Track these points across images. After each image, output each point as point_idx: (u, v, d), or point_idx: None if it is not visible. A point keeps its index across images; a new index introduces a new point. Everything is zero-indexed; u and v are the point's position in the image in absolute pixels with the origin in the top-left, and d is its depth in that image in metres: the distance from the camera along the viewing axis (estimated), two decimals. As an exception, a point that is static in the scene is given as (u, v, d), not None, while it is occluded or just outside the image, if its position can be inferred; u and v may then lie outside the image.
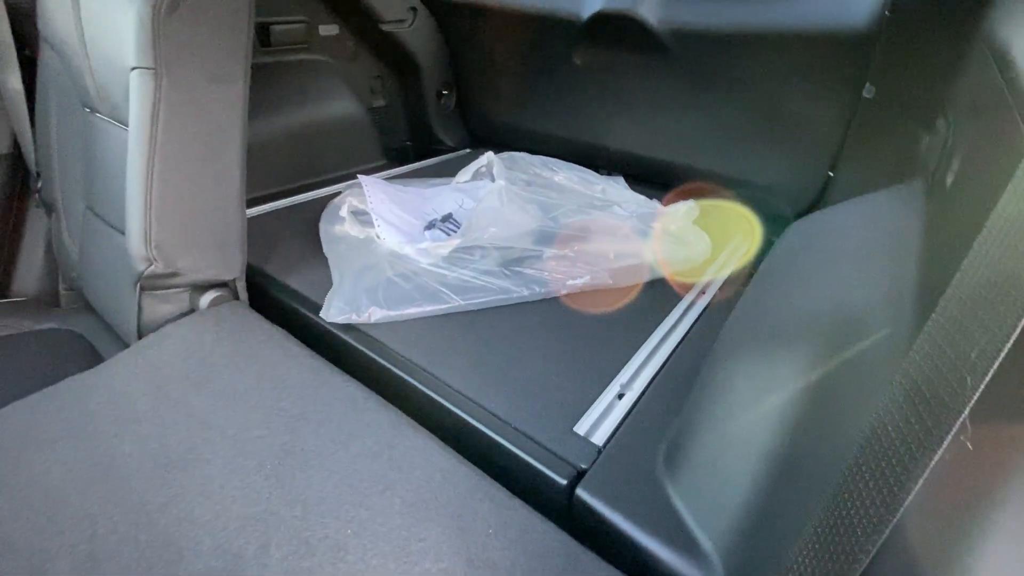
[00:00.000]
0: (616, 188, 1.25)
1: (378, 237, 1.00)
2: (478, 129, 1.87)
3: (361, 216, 1.05)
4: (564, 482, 0.63)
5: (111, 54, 0.79)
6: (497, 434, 0.69)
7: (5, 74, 1.09)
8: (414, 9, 1.59)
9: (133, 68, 0.75)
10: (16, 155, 1.17)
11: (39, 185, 1.14)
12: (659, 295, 1.00)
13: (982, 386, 0.20)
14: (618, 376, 0.80)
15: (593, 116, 1.54)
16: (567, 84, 1.54)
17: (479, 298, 0.92)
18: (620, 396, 0.77)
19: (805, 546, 0.29)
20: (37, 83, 1.07)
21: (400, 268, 0.94)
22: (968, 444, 0.20)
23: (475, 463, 0.64)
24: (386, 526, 0.56)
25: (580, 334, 0.89)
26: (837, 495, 0.26)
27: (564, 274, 0.97)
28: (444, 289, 0.91)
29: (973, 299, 0.22)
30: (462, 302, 0.91)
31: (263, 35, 1.42)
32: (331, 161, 1.56)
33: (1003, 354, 0.19)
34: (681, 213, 1.12)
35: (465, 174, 1.25)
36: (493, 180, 1.23)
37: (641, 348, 0.86)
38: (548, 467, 0.65)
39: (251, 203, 1.28)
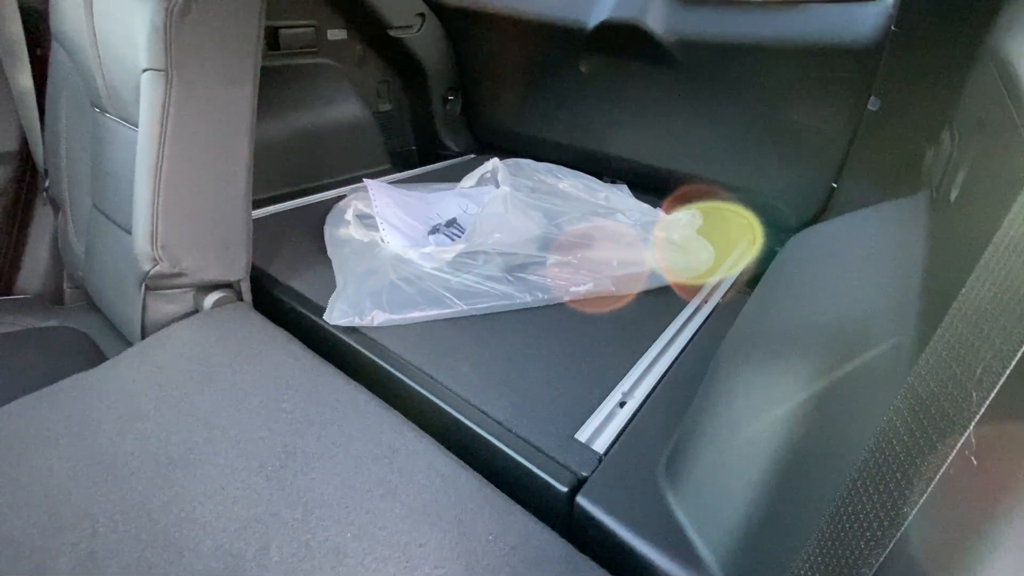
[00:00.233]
0: (620, 196, 1.25)
1: (382, 241, 1.00)
2: (483, 135, 1.88)
3: (366, 220, 1.06)
4: (565, 489, 0.63)
5: (122, 55, 0.80)
6: (498, 440, 0.69)
7: (16, 72, 1.10)
8: (422, 15, 1.60)
9: (144, 70, 0.76)
10: (24, 153, 1.18)
11: (47, 183, 1.15)
12: (662, 303, 1.00)
13: (987, 401, 0.20)
14: (620, 384, 0.80)
15: (598, 124, 1.55)
16: (572, 91, 1.55)
17: (482, 303, 0.92)
18: (622, 404, 0.77)
19: (807, 559, 0.29)
20: (48, 82, 1.08)
21: (404, 272, 0.94)
22: (973, 459, 0.20)
23: (476, 468, 0.64)
24: (386, 530, 0.56)
25: (582, 341, 0.89)
26: (840, 508, 0.26)
27: (567, 281, 0.97)
28: (447, 294, 0.92)
29: (979, 315, 0.22)
30: (465, 307, 0.91)
31: (272, 38, 1.43)
32: (337, 164, 1.56)
33: (1009, 370, 0.19)
34: (684, 222, 1.13)
35: (470, 179, 1.26)
36: (498, 186, 1.23)
37: (643, 356, 0.86)
38: (549, 474, 0.65)
39: (257, 204, 1.28)
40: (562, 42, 1.45)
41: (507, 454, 0.68)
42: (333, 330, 0.88)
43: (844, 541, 0.26)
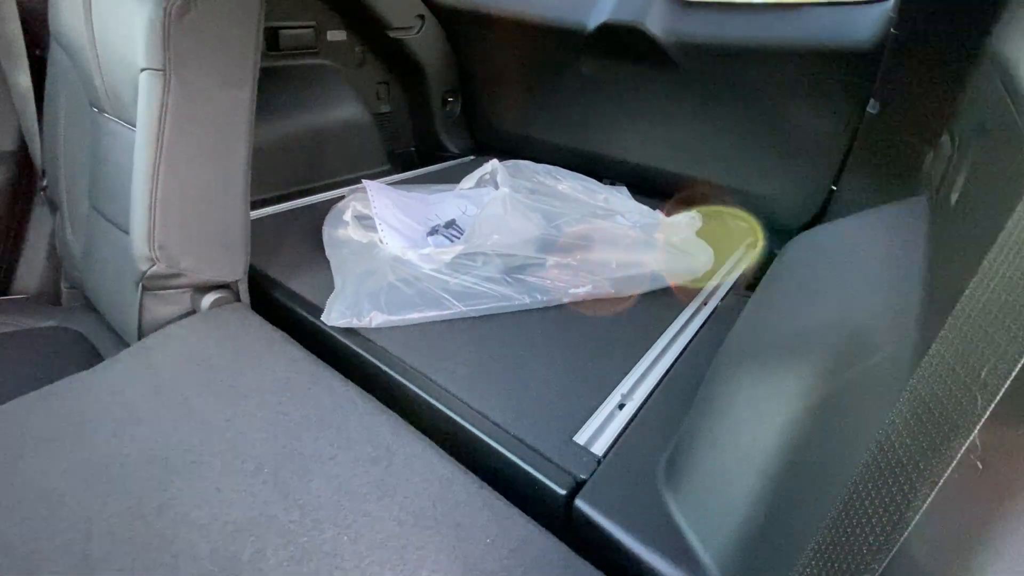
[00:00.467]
0: (619, 198, 1.25)
1: (381, 242, 1.00)
2: (482, 136, 1.88)
3: (364, 220, 1.05)
4: (563, 492, 0.63)
5: (120, 55, 0.79)
6: (497, 442, 0.69)
7: (15, 72, 1.09)
8: (422, 17, 1.60)
9: (142, 69, 0.75)
10: (22, 153, 1.18)
11: (44, 183, 1.15)
12: (661, 305, 1.00)
13: (992, 404, 0.19)
14: (619, 386, 0.80)
15: (597, 125, 1.55)
16: (572, 93, 1.55)
17: (481, 304, 0.92)
18: (621, 406, 0.76)
19: (808, 564, 0.29)
20: (46, 82, 1.07)
21: (402, 273, 0.94)
22: (978, 463, 0.20)
23: (474, 471, 0.64)
24: (383, 533, 0.55)
25: (581, 343, 0.89)
26: (842, 513, 0.26)
27: (566, 282, 0.97)
28: (446, 295, 0.91)
29: (983, 317, 0.22)
30: (464, 308, 0.91)
31: (272, 39, 1.43)
32: (336, 165, 1.56)
33: (1014, 373, 0.19)
34: (683, 224, 1.12)
35: (469, 181, 1.26)
36: (497, 187, 1.23)
37: (643, 358, 0.86)
38: (547, 477, 0.64)
39: (256, 205, 1.28)
40: (562, 44, 1.45)
41: (505, 456, 0.68)
42: (331, 331, 0.87)
43: (846, 546, 0.26)
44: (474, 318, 0.91)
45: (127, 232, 0.83)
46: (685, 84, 1.31)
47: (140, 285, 0.84)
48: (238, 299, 0.95)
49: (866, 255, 0.67)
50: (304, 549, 0.54)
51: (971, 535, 0.22)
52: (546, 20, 1.44)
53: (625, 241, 1.05)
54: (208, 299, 0.90)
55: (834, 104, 1.11)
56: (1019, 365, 0.19)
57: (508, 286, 0.94)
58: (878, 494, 0.23)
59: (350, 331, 0.87)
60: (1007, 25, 0.58)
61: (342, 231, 1.05)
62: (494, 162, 1.21)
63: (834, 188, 1.18)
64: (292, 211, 1.31)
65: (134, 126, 0.79)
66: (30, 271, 1.22)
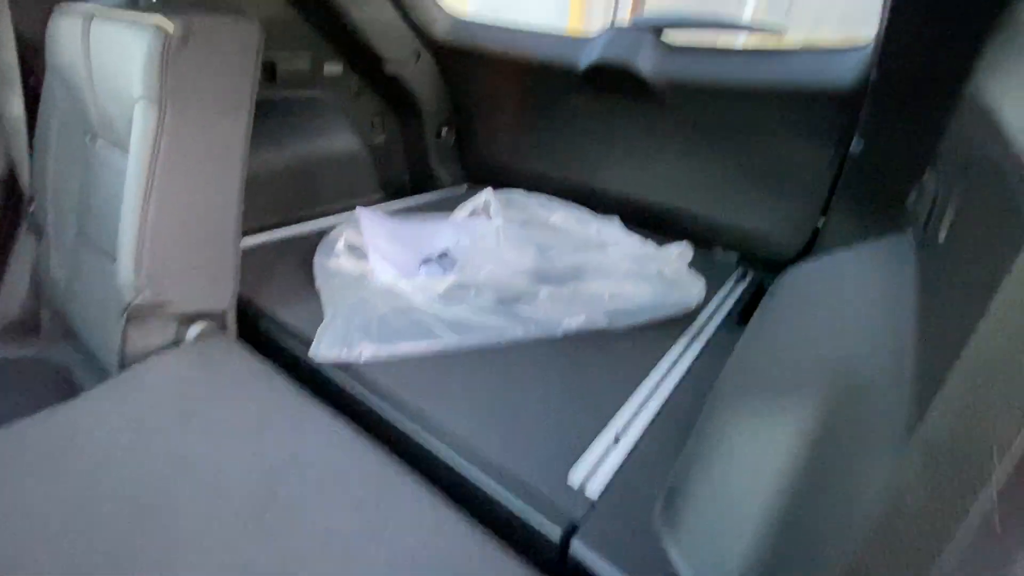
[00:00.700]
0: (611, 229, 1.26)
1: (372, 272, 0.99)
2: (476, 167, 1.90)
3: (356, 251, 1.05)
4: (558, 534, 0.61)
5: (117, 84, 0.79)
6: (489, 480, 0.67)
7: (8, 99, 1.09)
8: (418, 52, 1.64)
9: (138, 99, 0.76)
10: (11, 179, 1.16)
11: (31, 209, 1.13)
12: (655, 338, 1.00)
13: (1011, 459, 0.19)
14: (613, 420, 0.79)
15: (589, 158, 1.57)
16: (564, 127, 1.58)
17: (474, 336, 0.91)
18: (616, 440, 0.75)
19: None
20: (39, 110, 1.07)
21: (394, 304, 0.93)
22: (997, 525, 0.19)
23: (466, 509, 0.61)
24: (371, 580, 0.53)
25: (575, 376, 0.88)
26: (852, 568, 0.25)
27: (560, 314, 0.97)
28: (438, 326, 0.90)
29: (995, 368, 0.21)
30: (456, 340, 0.89)
31: (269, 71, 1.45)
32: (329, 194, 1.56)
33: None
34: (675, 255, 1.13)
35: (463, 211, 1.26)
36: (490, 218, 1.24)
37: (636, 391, 0.85)
38: (542, 518, 0.62)
39: (247, 233, 1.27)
40: (555, 81, 1.49)
41: (498, 496, 0.66)
42: (320, 364, 0.85)
43: None
44: (467, 350, 0.90)
45: (115, 260, 0.82)
46: (674, 121, 1.34)
47: (125, 315, 0.82)
48: (225, 328, 0.93)
49: (856, 291, 0.67)
50: (286, 598, 0.51)
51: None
52: (539, 59, 1.48)
53: (618, 273, 1.05)
54: (194, 330, 0.88)
55: (818, 142, 1.14)
56: None
57: (501, 317, 0.94)
58: (892, 551, 0.22)
59: (340, 364, 0.85)
60: (987, 66, 0.60)
61: (333, 261, 1.04)
62: (488, 192, 1.22)
63: (821, 223, 1.20)
64: (284, 240, 1.30)
65: (127, 154, 0.78)
66: (11, 298, 1.19)
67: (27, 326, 1.18)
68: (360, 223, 1.09)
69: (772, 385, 0.59)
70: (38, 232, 1.14)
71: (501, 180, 1.84)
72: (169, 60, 0.74)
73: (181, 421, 0.70)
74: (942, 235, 0.54)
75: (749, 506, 0.52)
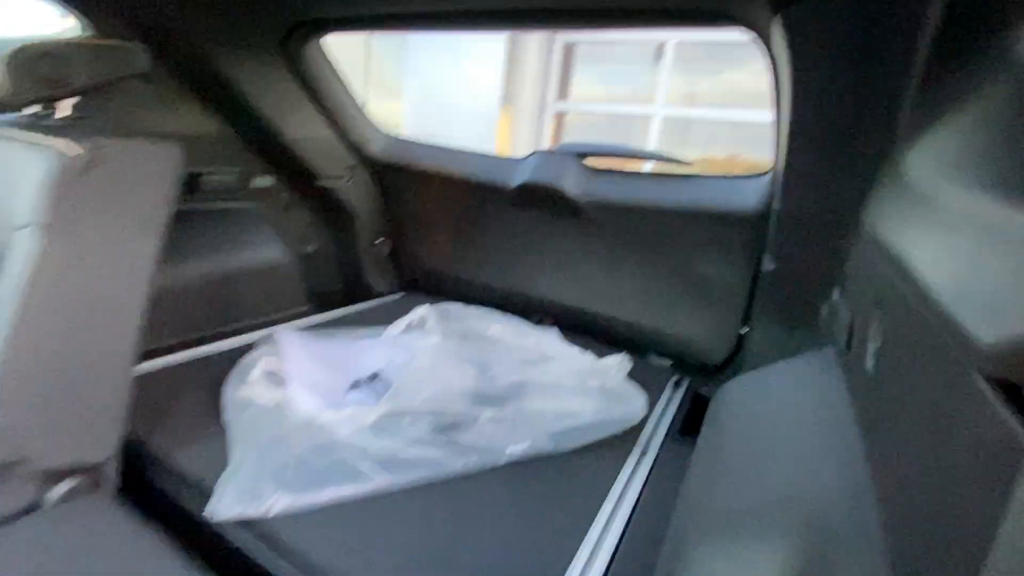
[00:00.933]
0: (550, 341, 1.25)
1: (292, 403, 0.89)
2: (411, 275, 1.88)
3: (274, 377, 0.95)
4: None
5: (2, 208, 0.71)
6: None
7: None
8: (353, 167, 1.66)
9: (24, 225, 0.67)
10: None
11: None
12: (601, 458, 0.94)
13: None
14: (572, 565, 0.70)
15: (523, 268, 1.60)
16: (498, 238, 1.62)
17: (408, 474, 0.81)
18: None
19: None
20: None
21: (315, 441, 0.82)
22: None
23: None
24: None
25: (524, 512, 0.79)
26: None
27: (503, 440, 0.90)
28: (367, 465, 0.80)
29: None
30: (388, 480, 0.79)
31: (191, 183, 1.39)
32: (251, 309, 1.46)
33: None
34: (614, 368, 1.12)
35: (397, 327, 1.21)
36: (426, 334, 1.19)
37: (591, 528, 0.78)
38: None
39: (148, 356, 1.13)
40: (488, 197, 1.55)
41: None
42: (221, 523, 0.71)
43: None
44: (400, 491, 0.80)
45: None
46: (600, 236, 1.42)
47: (-38, 478, 0.66)
48: (100, 485, 0.77)
49: (796, 417, 0.68)
50: None
51: None
52: (473, 177, 1.55)
53: (561, 390, 1.01)
54: (59, 489, 0.72)
55: (731, 258, 1.24)
56: None
57: (439, 449, 0.85)
58: None
59: (246, 521, 0.72)
60: (879, 204, 0.67)
61: (246, 390, 0.93)
62: (424, 308, 1.18)
63: (744, 330, 1.26)
64: (193, 363, 1.17)
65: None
66: None
67: None
68: (279, 345, 1.00)
69: (733, 528, 0.55)
70: None
71: (437, 288, 1.82)
72: (67, 186, 0.67)
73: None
74: (869, 362, 0.55)
75: None
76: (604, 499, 0.84)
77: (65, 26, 1.14)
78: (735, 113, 3.82)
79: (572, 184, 1.39)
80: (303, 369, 0.96)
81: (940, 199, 0.47)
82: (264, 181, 1.57)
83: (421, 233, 1.79)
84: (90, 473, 0.76)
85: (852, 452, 0.54)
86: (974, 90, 0.49)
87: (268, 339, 1.07)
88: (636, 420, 1.03)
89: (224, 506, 0.71)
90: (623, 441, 1.00)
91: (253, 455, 0.79)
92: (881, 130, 0.67)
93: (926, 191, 0.52)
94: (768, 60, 0.91)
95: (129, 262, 0.74)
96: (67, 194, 0.67)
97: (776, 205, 0.94)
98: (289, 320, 1.50)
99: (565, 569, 0.70)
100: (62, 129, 0.76)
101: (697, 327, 1.36)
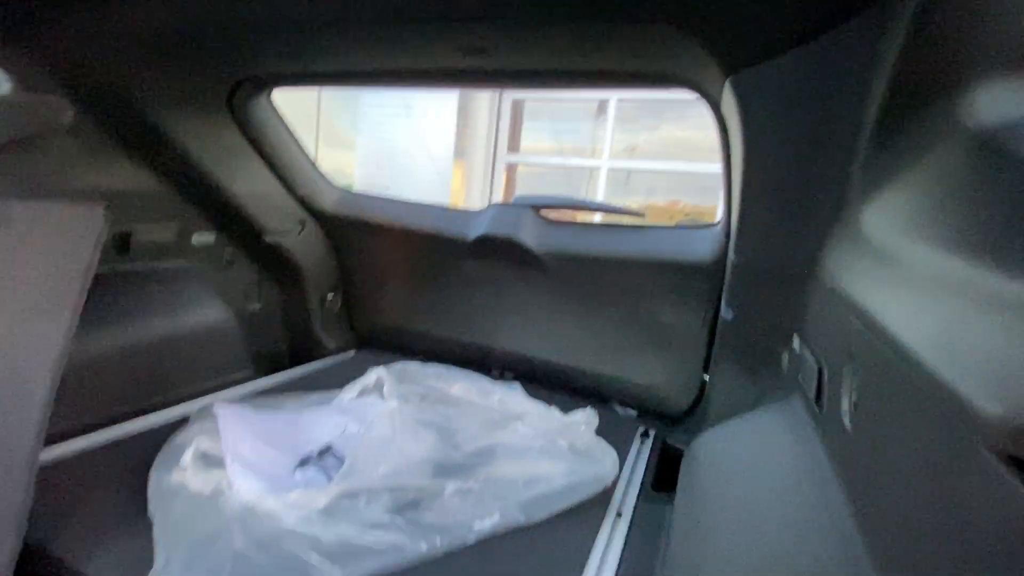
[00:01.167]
0: (513, 397, 1.20)
1: (230, 487, 0.79)
2: (365, 331, 1.80)
3: (210, 459, 0.84)
4: None
5: None
6: None
7: None
8: (302, 222, 1.60)
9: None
10: None
11: None
12: (577, 526, 0.89)
13: None
14: None
15: (482, 319, 1.57)
16: (456, 290, 1.58)
17: (366, 563, 0.72)
18: None
19: None
20: None
21: (257, 532, 0.72)
22: None
23: None
24: None
25: None
26: None
27: (469, 514, 0.82)
28: (317, 558, 0.71)
29: None
30: (344, 573, 0.70)
31: (122, 243, 1.28)
32: (187, 377, 1.33)
33: None
34: (582, 423, 1.08)
35: (350, 392, 1.12)
36: (382, 396, 1.11)
37: None
38: None
39: (61, 438, 0.99)
40: (444, 249, 1.52)
41: None
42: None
43: None
44: (356, 585, 0.71)
45: None
46: (559, 285, 1.42)
47: None
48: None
49: (777, 473, 0.66)
50: None
51: None
52: (429, 230, 1.52)
53: (529, 453, 0.96)
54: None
55: (689, 306, 1.25)
56: None
57: (399, 532, 0.77)
58: None
59: (168, 641, 0.61)
60: (835, 253, 0.69)
61: (176, 476, 0.81)
62: (379, 371, 1.11)
63: (706, 377, 1.26)
64: (115, 444, 1.03)
65: None
66: None
67: None
68: (216, 420, 0.90)
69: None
70: None
71: (392, 344, 1.74)
72: None
73: None
74: (845, 419, 0.54)
75: None
76: (583, 572, 0.78)
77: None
78: (676, 165, 4.08)
79: (530, 235, 1.39)
80: (243, 447, 0.86)
81: (904, 257, 0.48)
82: (205, 237, 1.47)
83: (375, 287, 1.73)
84: (-29, 596, 0.63)
85: (839, 516, 0.52)
86: (924, 149, 0.51)
87: (203, 412, 0.97)
88: (608, 480, 0.99)
89: (142, 626, 0.60)
90: (596, 504, 0.95)
91: (182, 555, 0.68)
92: (833, 185, 0.70)
93: (887, 247, 0.53)
94: (716, 119, 0.95)
95: (37, 337, 0.65)
96: None
97: (731, 256, 0.95)
98: (230, 386, 1.38)
99: None
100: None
101: (660, 375, 1.36)
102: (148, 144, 1.22)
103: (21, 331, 0.63)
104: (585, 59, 0.93)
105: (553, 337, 1.48)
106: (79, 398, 1.08)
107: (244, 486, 0.79)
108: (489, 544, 0.81)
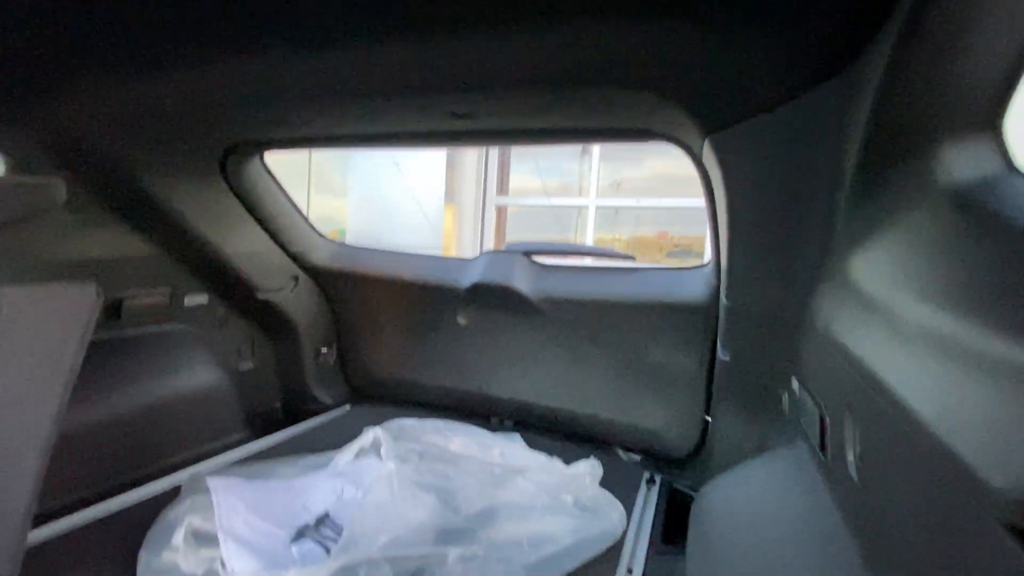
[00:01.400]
0: (514, 449, 1.18)
1: (223, 567, 0.76)
2: (359, 383, 1.77)
3: (202, 537, 0.81)
4: None
5: None
6: None
7: None
8: (296, 278, 1.60)
9: None
10: None
11: None
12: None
13: None
14: None
15: (480, 368, 1.55)
16: (452, 339, 1.57)
17: (366, 645, 0.69)
18: None
19: None
20: None
21: (253, 617, 0.69)
22: None
23: None
24: None
25: None
26: None
27: (474, 583, 0.79)
28: (316, 642, 0.67)
29: None
30: (342, 658, 0.67)
31: (114, 310, 1.27)
32: (179, 443, 1.29)
33: None
34: (586, 474, 1.06)
35: (347, 453, 1.10)
36: (380, 457, 1.09)
37: None
38: None
39: (49, 517, 0.95)
40: (439, 298, 1.52)
41: None
42: None
43: None
44: (356, 671, 0.67)
45: None
46: (556, 330, 1.41)
47: None
48: None
49: (788, 523, 0.65)
50: None
51: None
52: (423, 280, 1.53)
53: (533, 511, 0.93)
54: None
55: (685, 347, 1.25)
56: None
57: (402, 607, 0.74)
58: None
59: None
60: (825, 300, 0.69)
61: (167, 556, 0.78)
62: (376, 431, 1.08)
63: (708, 419, 1.25)
64: (103, 522, 0.99)
65: None
66: None
67: None
68: (209, 494, 0.87)
69: None
70: None
71: (388, 395, 1.72)
72: None
73: None
74: (851, 470, 0.54)
75: None
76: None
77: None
78: (662, 201, 4.19)
79: (523, 281, 1.40)
80: (237, 521, 0.83)
81: (893, 308, 0.49)
82: (197, 299, 1.47)
83: (370, 340, 1.71)
84: None
85: (850, 572, 0.51)
86: (900, 204, 0.53)
87: (195, 484, 0.94)
88: (617, 535, 0.96)
89: None
90: (606, 561, 0.92)
91: (172, 650, 0.65)
92: (818, 235, 0.71)
93: (875, 297, 0.54)
94: (699, 171, 0.98)
95: (27, 421, 0.63)
96: None
97: (723, 299, 0.96)
98: (223, 451, 1.34)
99: None
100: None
101: (661, 418, 1.34)
102: (141, 211, 1.23)
103: (11, 416, 0.62)
104: (569, 119, 0.96)
105: (551, 382, 1.47)
106: (69, 471, 1.04)
107: (239, 566, 0.75)
108: (496, 615, 0.78)
